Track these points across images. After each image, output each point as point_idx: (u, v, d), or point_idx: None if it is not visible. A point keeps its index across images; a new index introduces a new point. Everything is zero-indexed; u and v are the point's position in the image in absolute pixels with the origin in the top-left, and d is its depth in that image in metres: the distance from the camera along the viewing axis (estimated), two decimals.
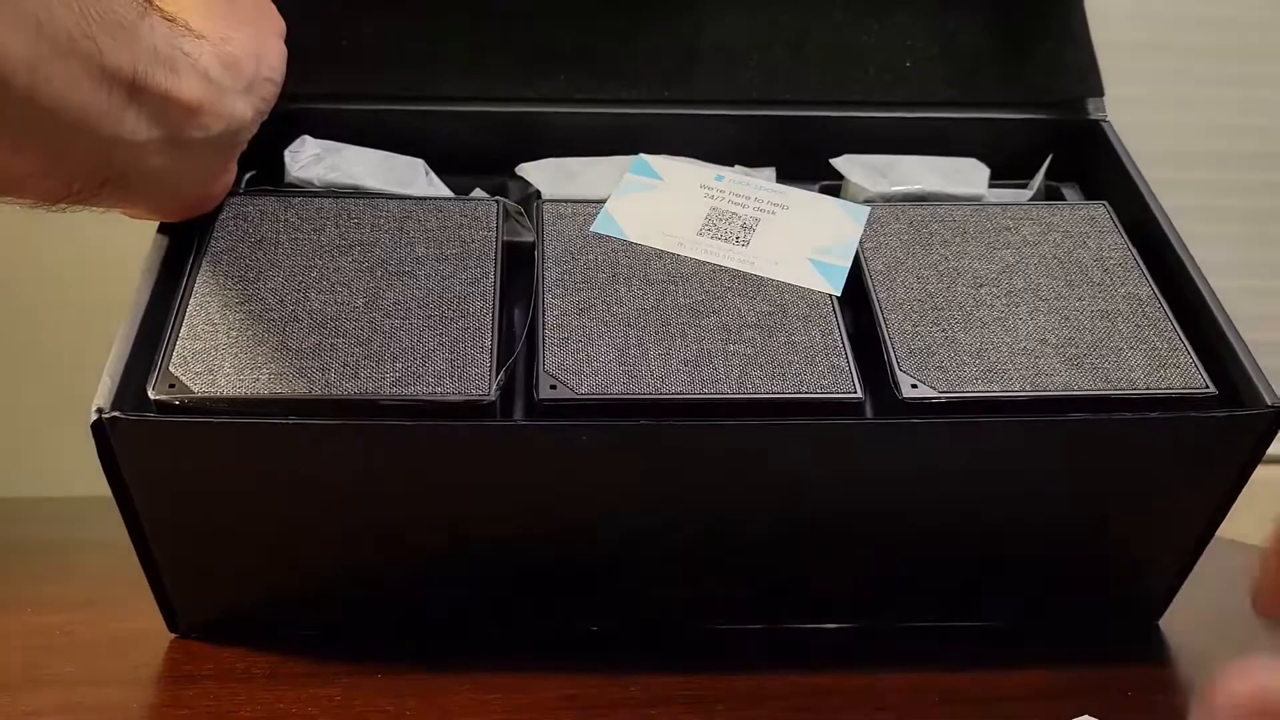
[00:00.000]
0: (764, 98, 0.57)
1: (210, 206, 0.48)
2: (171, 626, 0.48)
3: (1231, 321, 0.47)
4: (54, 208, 0.39)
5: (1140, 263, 0.50)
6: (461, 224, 0.49)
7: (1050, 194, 0.57)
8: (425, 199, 0.51)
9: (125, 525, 0.44)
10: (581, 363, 0.44)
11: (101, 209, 0.42)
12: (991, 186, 0.56)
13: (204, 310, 0.44)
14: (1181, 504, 0.47)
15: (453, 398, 0.42)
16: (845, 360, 0.45)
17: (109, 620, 0.50)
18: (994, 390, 0.44)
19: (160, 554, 0.45)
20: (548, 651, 0.48)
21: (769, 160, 0.57)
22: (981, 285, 0.49)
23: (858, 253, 0.50)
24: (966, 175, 0.56)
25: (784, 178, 0.56)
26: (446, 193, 0.54)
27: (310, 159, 0.52)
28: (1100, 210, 0.53)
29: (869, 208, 0.52)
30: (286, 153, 0.52)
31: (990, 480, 0.46)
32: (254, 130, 0.48)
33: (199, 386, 0.42)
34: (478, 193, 0.54)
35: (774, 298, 0.47)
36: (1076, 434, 0.44)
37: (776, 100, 0.57)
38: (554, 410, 0.43)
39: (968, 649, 0.49)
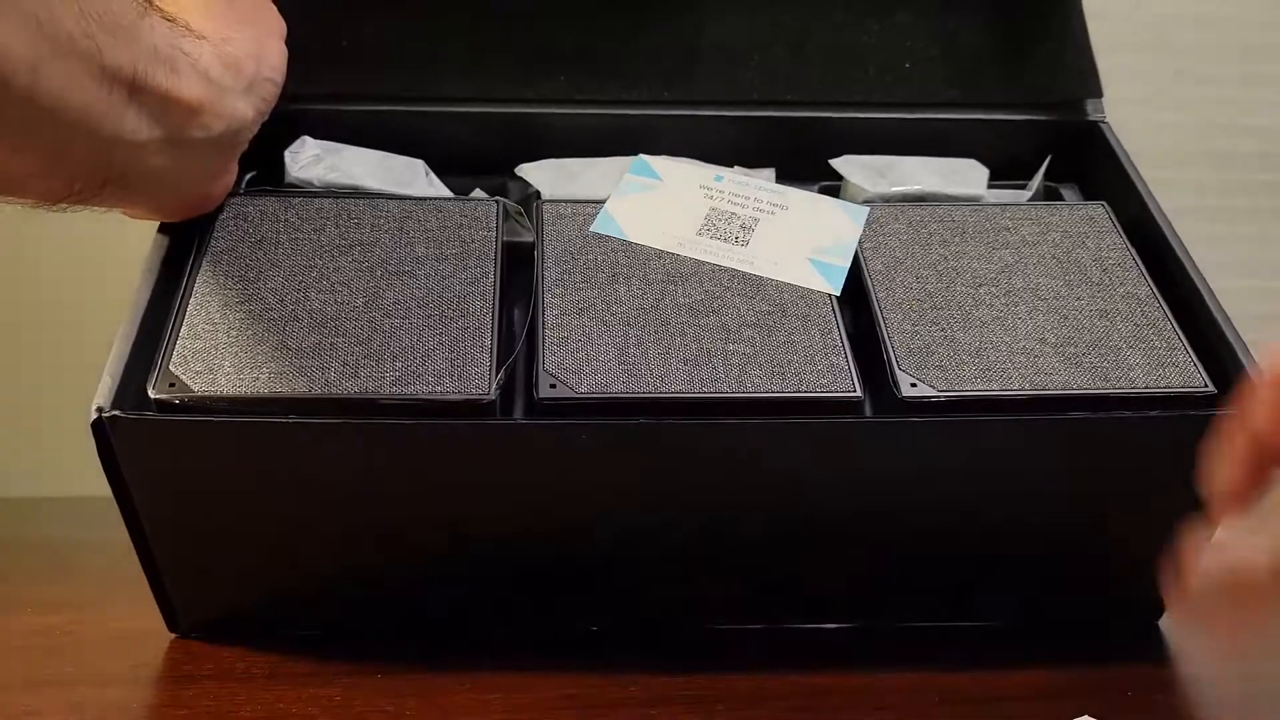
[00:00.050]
0: (764, 98, 0.57)
1: (211, 206, 0.48)
2: (171, 626, 0.48)
3: (1230, 321, 0.47)
4: (54, 208, 0.40)
5: (1139, 262, 0.50)
6: (461, 224, 0.49)
7: (1049, 195, 0.57)
8: (425, 199, 0.51)
9: (125, 525, 0.44)
10: (581, 362, 0.44)
11: (102, 209, 0.42)
12: (991, 187, 0.56)
13: (204, 309, 0.44)
14: (1181, 503, 0.47)
15: (453, 397, 0.42)
16: (844, 359, 0.45)
17: (109, 620, 0.50)
18: (993, 389, 0.44)
19: (160, 554, 0.45)
20: (548, 651, 0.48)
21: (769, 161, 0.57)
22: (980, 285, 0.49)
23: (857, 253, 0.50)
24: (966, 176, 0.56)
25: (784, 178, 0.56)
26: (446, 193, 0.54)
27: (310, 159, 0.52)
28: (1099, 210, 0.53)
29: (868, 208, 0.52)
30: (286, 153, 0.52)
31: (990, 479, 0.46)
32: (254, 130, 0.48)
33: (199, 385, 0.42)
34: (478, 193, 0.54)
35: (773, 297, 0.48)
36: (1075, 433, 0.44)
37: (776, 101, 0.57)
38: (554, 409, 0.43)
39: (967, 649, 0.49)
